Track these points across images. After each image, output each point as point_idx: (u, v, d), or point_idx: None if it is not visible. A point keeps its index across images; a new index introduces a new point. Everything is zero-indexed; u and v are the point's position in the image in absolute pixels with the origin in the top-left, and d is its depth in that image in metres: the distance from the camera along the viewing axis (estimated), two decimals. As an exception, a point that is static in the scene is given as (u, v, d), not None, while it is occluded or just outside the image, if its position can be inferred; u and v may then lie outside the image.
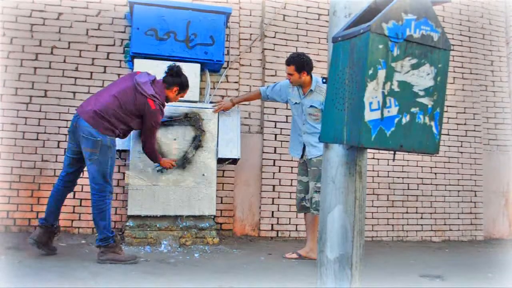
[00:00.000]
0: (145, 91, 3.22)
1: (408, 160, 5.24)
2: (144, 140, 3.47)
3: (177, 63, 3.55)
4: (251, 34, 4.92)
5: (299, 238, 4.68)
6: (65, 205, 4.15)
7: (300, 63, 3.68)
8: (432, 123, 1.70)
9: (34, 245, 3.23)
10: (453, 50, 5.25)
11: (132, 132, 3.68)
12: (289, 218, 4.74)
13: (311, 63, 3.75)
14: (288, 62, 3.73)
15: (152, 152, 3.58)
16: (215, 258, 3.61)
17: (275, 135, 4.83)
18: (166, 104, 3.48)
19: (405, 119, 1.65)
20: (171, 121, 4.02)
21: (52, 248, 3.36)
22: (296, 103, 3.86)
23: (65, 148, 4.25)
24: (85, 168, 3.31)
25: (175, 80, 3.46)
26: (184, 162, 4.01)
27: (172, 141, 4.02)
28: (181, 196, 3.99)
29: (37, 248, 3.25)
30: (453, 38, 5.57)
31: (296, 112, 3.87)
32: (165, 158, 3.83)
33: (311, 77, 3.77)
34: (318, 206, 3.57)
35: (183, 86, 3.52)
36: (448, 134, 5.41)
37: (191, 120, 4.06)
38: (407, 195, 5.24)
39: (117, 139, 3.34)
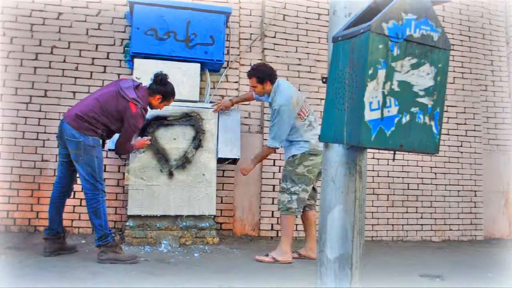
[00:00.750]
0: (127, 95, 3.25)
1: (408, 160, 5.24)
2: (121, 141, 3.41)
3: (164, 72, 3.50)
4: (251, 34, 4.92)
5: (298, 237, 4.68)
6: (65, 205, 4.17)
7: (261, 74, 3.65)
8: (432, 123, 1.70)
9: (52, 255, 3.29)
10: (453, 49, 5.27)
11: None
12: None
13: (273, 72, 3.70)
14: (249, 75, 3.71)
15: (123, 151, 3.63)
16: (215, 258, 3.61)
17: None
18: (148, 109, 3.45)
19: (405, 118, 1.65)
20: (171, 121, 4.02)
21: (70, 248, 3.46)
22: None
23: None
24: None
25: (159, 89, 3.42)
26: (184, 162, 4.01)
27: (172, 140, 4.02)
28: (181, 196, 3.99)
29: (57, 256, 3.31)
30: (453, 38, 5.57)
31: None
32: (137, 140, 3.69)
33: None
34: (279, 205, 3.64)
35: (167, 95, 3.47)
36: (448, 134, 5.41)
37: (191, 120, 4.06)
38: (407, 195, 5.24)
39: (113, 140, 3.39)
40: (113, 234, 3.26)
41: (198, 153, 4.06)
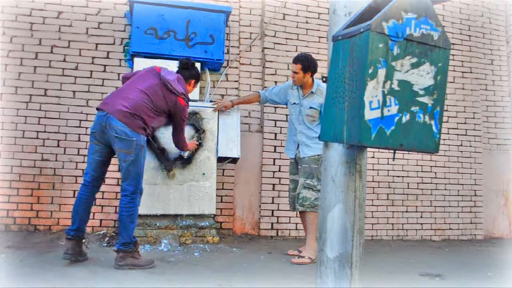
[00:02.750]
0: (175, 89, 3.16)
1: (408, 159, 5.24)
2: (177, 136, 3.44)
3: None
4: (251, 33, 4.92)
5: (299, 237, 4.69)
6: (65, 204, 4.19)
7: (307, 63, 3.72)
8: (432, 122, 1.70)
9: (71, 259, 3.04)
10: (453, 49, 5.28)
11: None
12: (289, 217, 4.74)
13: (316, 66, 3.79)
14: (296, 61, 3.76)
15: (183, 144, 3.55)
16: (215, 257, 3.61)
17: (275, 134, 4.84)
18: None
19: (405, 118, 1.65)
20: None
21: (84, 254, 3.19)
22: (294, 103, 3.89)
23: (65, 147, 4.28)
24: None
25: (192, 73, 3.46)
26: (184, 161, 4.01)
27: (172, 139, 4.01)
28: (181, 195, 3.99)
29: (74, 261, 3.06)
30: (453, 37, 5.57)
31: (294, 113, 3.90)
32: (189, 142, 3.78)
33: (313, 79, 3.84)
34: (304, 202, 3.64)
35: (199, 77, 3.56)
36: (448, 133, 5.41)
37: (191, 119, 4.06)
38: (407, 194, 5.24)
39: None
40: (136, 241, 3.11)
41: (198, 152, 4.06)
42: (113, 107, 3.00)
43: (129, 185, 3.04)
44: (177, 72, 3.42)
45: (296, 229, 4.77)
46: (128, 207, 3.04)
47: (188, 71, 3.44)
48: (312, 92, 3.79)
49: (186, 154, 3.94)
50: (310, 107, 3.77)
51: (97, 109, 3.13)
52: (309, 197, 3.65)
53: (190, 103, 4.10)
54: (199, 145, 4.02)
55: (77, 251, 3.08)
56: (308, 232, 3.69)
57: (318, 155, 3.67)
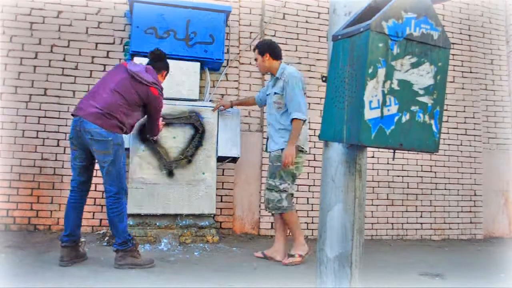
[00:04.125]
0: (144, 79, 3.09)
1: (407, 159, 5.24)
2: (151, 126, 3.39)
3: (156, 48, 3.44)
4: (251, 32, 4.92)
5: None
6: (65, 204, 4.15)
7: (261, 46, 3.65)
8: (432, 122, 1.70)
9: (68, 265, 3.01)
10: (453, 48, 5.27)
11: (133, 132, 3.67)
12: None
13: (275, 47, 3.64)
14: (253, 49, 3.76)
15: (155, 133, 3.52)
16: (215, 256, 3.61)
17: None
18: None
19: (405, 117, 1.65)
20: (171, 120, 4.02)
21: (83, 255, 3.18)
22: (268, 94, 3.75)
23: (65, 147, 4.27)
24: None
25: (163, 65, 3.41)
26: (183, 161, 4.01)
27: (172, 139, 4.02)
28: (181, 194, 3.99)
29: (73, 265, 3.04)
30: (453, 37, 5.57)
31: (267, 104, 3.75)
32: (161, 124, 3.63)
33: (280, 66, 3.63)
34: (268, 204, 3.49)
35: (168, 67, 3.48)
36: (448, 133, 5.41)
37: (191, 118, 4.06)
38: (407, 194, 5.24)
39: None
40: (132, 239, 3.08)
41: (198, 152, 4.06)
42: (86, 111, 2.98)
43: (112, 186, 3.01)
44: (148, 64, 3.33)
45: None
46: (114, 208, 3.02)
47: (159, 62, 3.38)
48: (277, 77, 3.59)
49: (155, 137, 3.83)
50: (275, 93, 3.57)
51: (72, 115, 3.11)
52: (272, 199, 3.48)
53: (190, 102, 4.12)
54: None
55: (73, 256, 3.06)
56: (291, 232, 3.59)
57: (282, 149, 3.46)
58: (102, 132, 2.93)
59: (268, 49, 3.62)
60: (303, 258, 3.48)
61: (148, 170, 3.93)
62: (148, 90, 3.12)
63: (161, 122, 3.59)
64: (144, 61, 4.08)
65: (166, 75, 3.49)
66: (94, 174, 3.23)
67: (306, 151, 3.60)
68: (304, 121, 3.46)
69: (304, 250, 3.51)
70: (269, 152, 3.64)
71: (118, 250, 3.03)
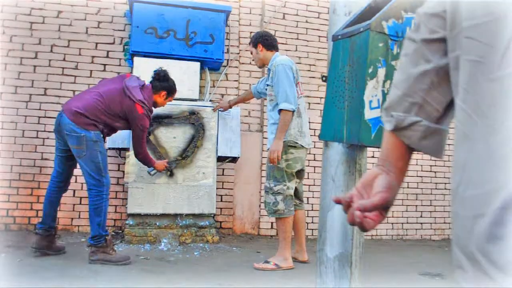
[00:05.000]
0: (133, 95, 3.18)
1: (407, 159, 5.24)
2: (136, 146, 3.39)
3: (163, 68, 3.49)
4: (251, 32, 4.91)
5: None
6: (65, 204, 4.18)
7: (254, 38, 3.53)
8: (432, 122, 1.70)
9: (37, 253, 3.18)
10: (453, 48, 5.26)
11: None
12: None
13: (268, 37, 3.49)
14: (248, 45, 3.64)
15: (145, 157, 3.49)
16: (215, 256, 3.61)
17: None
18: (153, 109, 3.44)
19: (405, 117, 1.64)
20: (171, 120, 4.02)
21: (57, 248, 3.32)
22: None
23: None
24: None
25: (163, 85, 3.41)
26: (184, 161, 4.01)
27: (172, 139, 4.02)
28: (181, 194, 3.99)
29: (41, 254, 3.18)
30: (453, 37, 5.57)
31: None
32: (158, 161, 3.70)
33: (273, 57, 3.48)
34: (266, 207, 3.31)
35: (171, 90, 3.47)
36: (448, 133, 5.41)
37: (191, 118, 4.06)
38: (407, 194, 5.24)
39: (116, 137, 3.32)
40: (107, 236, 3.15)
41: (198, 152, 4.06)
42: (68, 107, 3.16)
43: (90, 178, 3.12)
44: (150, 81, 3.42)
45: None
46: (93, 200, 3.14)
47: (159, 82, 3.40)
48: (269, 68, 3.43)
49: (152, 172, 3.74)
50: (267, 85, 3.43)
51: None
52: (268, 201, 3.30)
53: (189, 102, 4.12)
54: (170, 171, 3.91)
55: (44, 245, 3.20)
56: (279, 241, 3.36)
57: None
58: (74, 128, 3.07)
59: (261, 40, 3.47)
60: (278, 268, 3.22)
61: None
62: (133, 106, 3.19)
63: (165, 163, 3.71)
64: (145, 61, 4.11)
65: (167, 96, 3.47)
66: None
67: (302, 146, 3.33)
68: (293, 112, 3.23)
69: (284, 264, 3.26)
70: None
71: (90, 245, 3.11)
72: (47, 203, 3.27)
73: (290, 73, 3.27)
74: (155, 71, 3.46)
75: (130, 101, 3.18)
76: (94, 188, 3.13)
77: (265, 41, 3.46)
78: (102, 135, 3.21)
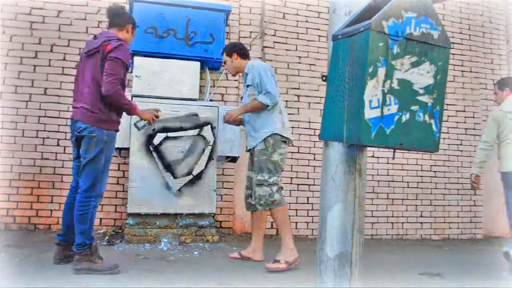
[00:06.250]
0: (93, 47, 2.86)
1: (407, 158, 5.25)
2: (109, 84, 2.79)
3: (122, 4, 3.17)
4: (251, 32, 4.91)
5: (298, 236, 4.69)
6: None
7: (228, 47, 3.63)
8: (432, 121, 1.70)
9: (61, 263, 2.98)
10: (453, 48, 5.27)
11: (131, 131, 3.65)
12: (289, 216, 4.73)
13: (242, 47, 3.63)
14: (222, 53, 3.72)
15: (125, 104, 2.91)
16: (215, 256, 3.61)
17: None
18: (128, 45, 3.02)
19: (405, 117, 1.65)
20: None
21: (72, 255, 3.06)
22: (242, 96, 3.67)
23: (65, 146, 4.28)
24: None
25: (124, 19, 3.02)
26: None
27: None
28: (181, 194, 3.98)
29: (65, 263, 3.00)
30: (453, 36, 5.57)
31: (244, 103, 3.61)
32: (145, 109, 3.16)
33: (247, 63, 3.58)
34: (260, 201, 3.31)
35: (133, 20, 3.10)
36: (447, 132, 5.41)
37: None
38: (407, 193, 5.24)
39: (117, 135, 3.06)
40: (92, 244, 2.87)
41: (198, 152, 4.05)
42: (75, 110, 2.92)
43: (84, 183, 2.85)
44: (109, 24, 3.04)
45: (296, 228, 4.78)
46: (80, 206, 2.84)
47: (117, 19, 3.02)
48: (246, 73, 3.54)
49: (140, 124, 3.19)
50: (248, 86, 3.48)
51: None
52: (263, 194, 3.30)
53: (189, 101, 4.11)
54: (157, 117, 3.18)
55: (66, 255, 3.00)
56: (280, 232, 3.40)
57: (264, 140, 3.34)
58: (84, 126, 2.82)
59: (236, 49, 3.60)
60: (289, 265, 3.24)
61: (148, 170, 3.93)
62: (101, 50, 2.83)
63: (153, 111, 3.10)
64: (145, 60, 4.10)
65: (133, 28, 3.10)
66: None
67: (288, 142, 3.45)
68: (267, 107, 3.34)
69: (292, 256, 3.28)
70: (250, 149, 3.49)
71: (75, 253, 2.85)
72: (67, 213, 3.00)
73: (269, 73, 3.42)
74: (108, 8, 3.05)
75: (96, 53, 2.84)
76: (83, 193, 2.85)
77: (239, 50, 3.61)
78: (114, 136, 2.94)
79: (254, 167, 3.44)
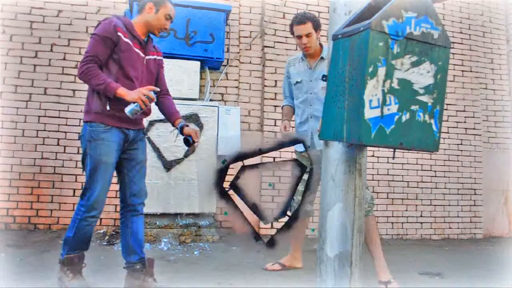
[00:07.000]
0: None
1: (407, 158, 5.24)
2: (84, 63, 2.37)
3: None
4: (251, 31, 4.91)
5: (298, 235, 4.68)
6: (65, 203, 4.19)
7: (317, 20, 2.99)
8: (432, 121, 1.70)
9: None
10: (453, 47, 5.27)
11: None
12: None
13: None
14: (304, 19, 2.93)
15: (84, 74, 2.38)
16: (215, 256, 3.61)
17: (275, 133, 4.82)
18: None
19: (405, 116, 1.64)
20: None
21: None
22: (298, 82, 3.13)
23: (65, 146, 4.28)
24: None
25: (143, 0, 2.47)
26: (183, 160, 3.99)
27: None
28: (181, 194, 3.99)
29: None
30: (453, 36, 5.56)
31: (300, 94, 3.11)
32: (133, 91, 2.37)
33: (320, 43, 3.09)
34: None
35: None
36: (448, 132, 5.41)
37: (190, 119, 4.03)
38: (407, 193, 5.24)
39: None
40: (65, 259, 2.47)
41: (198, 151, 4.05)
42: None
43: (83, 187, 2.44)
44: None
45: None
46: (76, 211, 2.43)
47: (138, 3, 2.59)
48: (322, 57, 3.03)
49: (128, 109, 2.32)
50: (323, 76, 2.99)
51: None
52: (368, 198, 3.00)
53: (189, 101, 4.10)
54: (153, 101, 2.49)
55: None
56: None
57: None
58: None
59: (321, 27, 3.02)
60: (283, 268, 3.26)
61: (148, 169, 3.92)
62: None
63: (149, 91, 2.37)
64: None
65: (155, 6, 2.53)
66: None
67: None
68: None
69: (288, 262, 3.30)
70: (314, 150, 2.91)
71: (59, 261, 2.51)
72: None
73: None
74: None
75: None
76: (80, 196, 2.44)
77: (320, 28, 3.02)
78: (114, 130, 2.40)
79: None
